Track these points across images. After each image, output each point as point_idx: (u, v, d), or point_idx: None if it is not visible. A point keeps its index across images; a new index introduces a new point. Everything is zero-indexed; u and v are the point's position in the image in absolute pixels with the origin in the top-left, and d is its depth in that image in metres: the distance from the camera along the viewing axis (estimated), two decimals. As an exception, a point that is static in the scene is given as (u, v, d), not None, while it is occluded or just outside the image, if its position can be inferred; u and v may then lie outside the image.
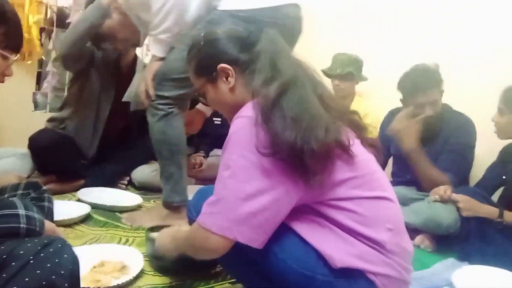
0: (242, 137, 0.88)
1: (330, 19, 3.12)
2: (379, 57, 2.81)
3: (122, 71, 2.34)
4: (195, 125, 2.07)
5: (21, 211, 0.90)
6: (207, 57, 1.07)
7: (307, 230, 0.89)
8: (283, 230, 0.89)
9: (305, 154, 0.82)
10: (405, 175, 2.17)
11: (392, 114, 2.20)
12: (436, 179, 1.93)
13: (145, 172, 2.44)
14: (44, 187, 1.37)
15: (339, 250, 0.86)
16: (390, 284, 0.89)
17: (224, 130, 2.78)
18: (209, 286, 1.32)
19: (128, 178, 2.47)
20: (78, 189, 2.17)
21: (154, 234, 1.33)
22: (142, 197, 2.16)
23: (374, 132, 2.36)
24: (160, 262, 1.32)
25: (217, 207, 0.88)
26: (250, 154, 0.85)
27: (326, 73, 2.65)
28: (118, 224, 1.80)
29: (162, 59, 1.70)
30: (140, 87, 1.73)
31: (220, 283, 1.34)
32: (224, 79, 1.04)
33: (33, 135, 2.10)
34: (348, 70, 2.61)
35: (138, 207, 2.06)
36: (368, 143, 1.01)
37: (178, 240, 1.08)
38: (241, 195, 0.85)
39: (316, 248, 0.87)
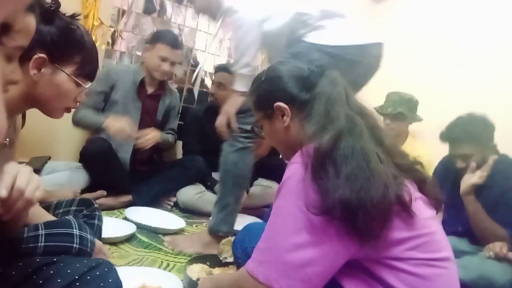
0: (295, 186, 0.83)
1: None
2: (436, 98, 2.75)
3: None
4: (263, 149, 2.09)
5: (76, 231, 0.94)
6: (266, 94, 1.06)
7: (352, 286, 0.84)
8: (332, 286, 0.85)
9: (359, 216, 0.76)
10: (457, 225, 2.05)
11: (444, 163, 2.12)
12: (493, 233, 1.81)
13: (190, 194, 2.48)
14: (96, 205, 1.43)
15: None
16: None
17: (270, 160, 2.80)
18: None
19: (175, 198, 2.52)
20: (126, 205, 2.25)
21: (192, 268, 1.34)
22: (184, 221, 2.19)
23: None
24: None
25: (265, 255, 0.85)
26: (302, 206, 0.80)
27: (378, 111, 2.60)
28: (161, 247, 1.82)
29: (244, 93, 1.72)
30: (221, 119, 1.76)
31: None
32: (280, 117, 1.02)
33: (85, 144, 2.21)
34: (399, 110, 2.56)
35: (180, 231, 2.08)
36: (431, 197, 0.94)
37: (220, 286, 1.05)
38: (289, 246, 0.81)
39: None
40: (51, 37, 0.95)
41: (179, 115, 2.81)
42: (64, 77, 1.00)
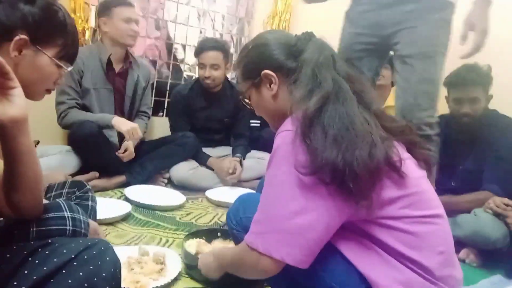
0: (285, 153, 0.84)
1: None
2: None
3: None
4: None
5: (67, 214, 0.93)
6: (253, 61, 1.04)
7: (353, 252, 0.85)
8: (329, 250, 0.85)
9: (347, 177, 0.77)
10: (450, 182, 2.08)
11: (443, 118, 2.12)
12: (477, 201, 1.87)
13: (183, 170, 2.47)
14: (88, 186, 1.41)
15: (385, 276, 0.82)
16: None
17: (261, 132, 2.79)
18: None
19: (168, 175, 2.51)
20: (119, 186, 2.25)
21: (190, 243, 1.35)
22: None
23: None
24: (200, 275, 1.26)
25: (263, 226, 0.85)
26: (294, 172, 0.81)
27: None
28: (159, 223, 1.83)
29: None
30: None
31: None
32: (268, 85, 1.01)
33: (73, 128, 2.16)
34: None
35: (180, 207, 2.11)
36: (421, 159, 0.95)
37: (223, 261, 1.06)
38: (286, 213, 0.82)
39: (361, 272, 0.83)
40: (33, 17, 0.91)
41: (153, 90, 2.73)
42: (46, 59, 0.97)
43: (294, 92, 0.92)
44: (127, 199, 2.05)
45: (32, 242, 0.84)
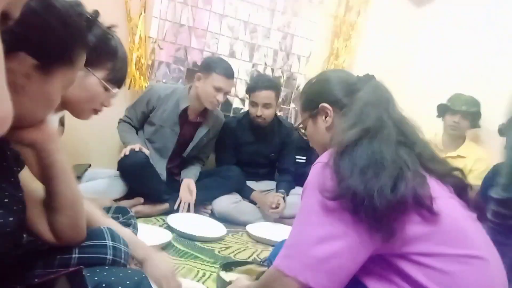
0: (316, 182, 0.87)
1: (433, 61, 2.99)
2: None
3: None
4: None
5: (109, 242, 0.93)
6: (314, 94, 1.13)
7: (377, 286, 0.84)
8: (354, 284, 0.85)
9: (366, 206, 0.79)
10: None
11: (495, 170, 1.99)
12: None
13: (225, 203, 2.46)
14: (131, 213, 1.43)
15: None
16: None
17: (306, 169, 2.76)
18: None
19: (211, 207, 2.51)
20: (163, 213, 2.28)
21: (224, 274, 1.31)
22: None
23: None
24: None
25: (292, 250, 0.88)
26: (320, 198, 0.84)
27: (448, 108, 2.53)
28: (197, 255, 1.81)
29: None
30: None
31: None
32: (323, 118, 1.08)
33: (122, 157, 2.22)
34: (475, 110, 2.48)
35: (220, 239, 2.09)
36: (472, 204, 0.94)
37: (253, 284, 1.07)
38: (313, 239, 0.84)
39: None
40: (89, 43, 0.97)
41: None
42: (94, 80, 1.06)
43: (339, 125, 0.97)
44: (168, 227, 2.05)
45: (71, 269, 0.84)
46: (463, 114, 2.49)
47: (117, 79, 1.11)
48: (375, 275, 0.85)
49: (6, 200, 0.72)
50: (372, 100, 0.97)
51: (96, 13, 0.98)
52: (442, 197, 0.87)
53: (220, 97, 2.30)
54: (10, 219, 0.72)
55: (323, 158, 0.91)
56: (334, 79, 1.10)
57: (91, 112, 1.11)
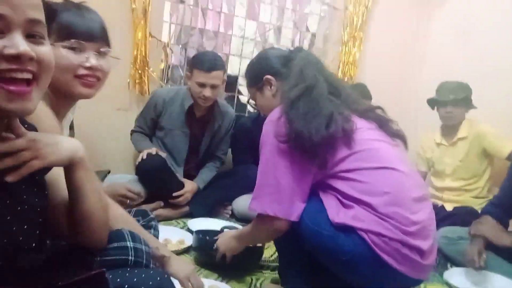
0: (269, 131, 1.19)
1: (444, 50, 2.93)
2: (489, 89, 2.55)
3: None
4: None
5: (129, 244, 0.92)
6: (256, 70, 1.39)
7: (323, 198, 1.16)
8: (310, 200, 1.18)
9: (307, 142, 1.10)
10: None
11: None
12: None
13: (246, 203, 2.43)
14: (152, 215, 1.43)
15: (339, 212, 1.11)
16: (382, 243, 1.06)
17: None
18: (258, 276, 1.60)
19: (231, 207, 2.50)
20: (183, 216, 2.28)
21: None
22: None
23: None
24: (209, 258, 1.54)
25: (258, 191, 1.20)
26: (275, 143, 1.15)
27: (436, 101, 2.47)
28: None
29: None
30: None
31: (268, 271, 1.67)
32: (269, 87, 1.35)
33: (140, 161, 2.24)
34: (463, 96, 2.41)
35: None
36: (390, 133, 1.25)
37: (241, 234, 1.41)
38: (273, 178, 1.15)
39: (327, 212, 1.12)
40: None
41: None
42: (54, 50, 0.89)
43: (283, 87, 1.24)
44: (189, 230, 2.04)
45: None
46: (452, 103, 2.42)
47: (71, 33, 0.99)
48: (318, 189, 1.18)
49: (29, 213, 0.72)
50: (307, 64, 1.25)
51: None
52: (362, 128, 1.19)
53: (207, 92, 2.23)
54: (36, 232, 0.72)
55: (274, 114, 1.20)
56: (271, 54, 1.38)
57: (76, 81, 1.01)
